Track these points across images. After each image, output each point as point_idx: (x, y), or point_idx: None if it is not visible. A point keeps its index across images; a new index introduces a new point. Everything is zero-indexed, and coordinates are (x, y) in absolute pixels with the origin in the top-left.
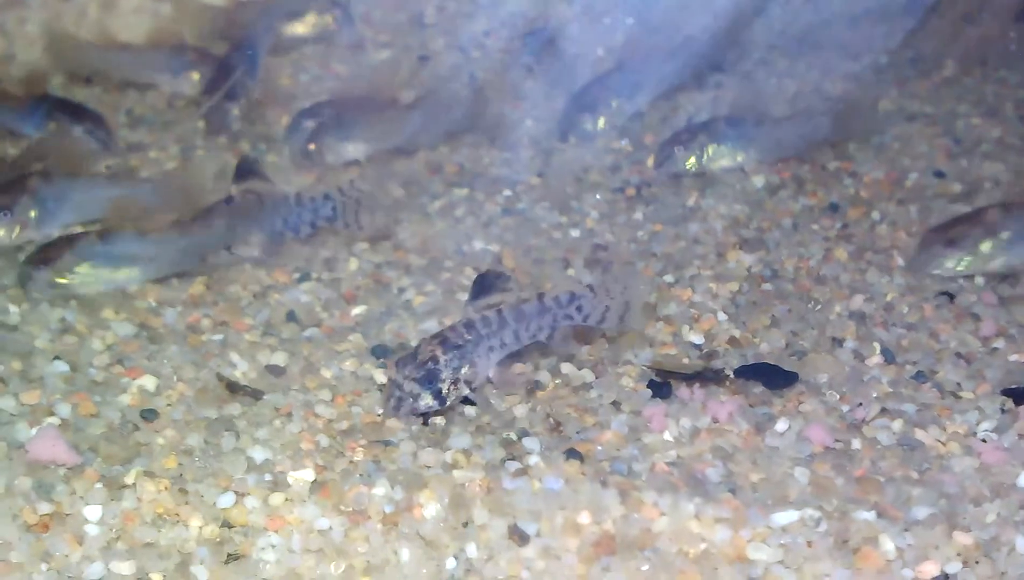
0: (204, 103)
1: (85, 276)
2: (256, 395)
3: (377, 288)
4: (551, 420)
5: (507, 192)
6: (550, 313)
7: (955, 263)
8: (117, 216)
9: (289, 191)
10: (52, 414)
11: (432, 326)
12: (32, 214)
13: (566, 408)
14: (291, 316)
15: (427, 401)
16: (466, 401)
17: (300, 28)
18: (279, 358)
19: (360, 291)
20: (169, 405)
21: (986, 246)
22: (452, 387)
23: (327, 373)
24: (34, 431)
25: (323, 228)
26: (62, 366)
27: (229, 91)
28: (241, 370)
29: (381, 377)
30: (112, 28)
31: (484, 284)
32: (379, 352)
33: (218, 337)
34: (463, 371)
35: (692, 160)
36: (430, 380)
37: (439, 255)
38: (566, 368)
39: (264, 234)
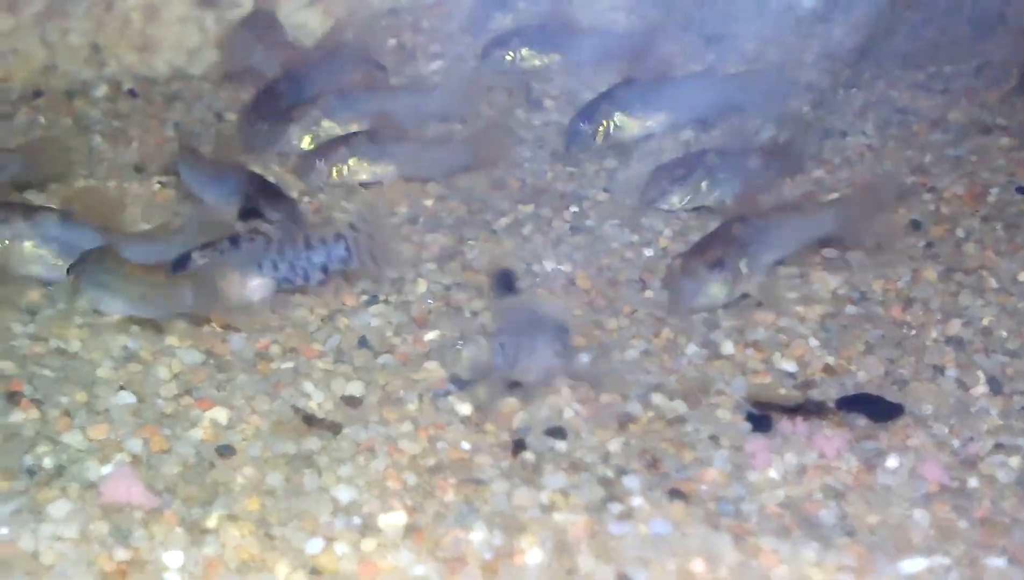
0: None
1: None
2: (335, 429)
3: (449, 311)
4: (648, 456)
5: (574, 208)
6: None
7: None
8: None
9: (298, 232)
10: (122, 450)
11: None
12: None
13: (662, 443)
14: (363, 342)
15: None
16: (556, 433)
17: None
18: (355, 388)
19: (431, 315)
20: (244, 440)
21: None
22: None
23: (407, 404)
24: (105, 470)
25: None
26: (128, 397)
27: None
28: (316, 401)
29: (463, 409)
30: (156, 38)
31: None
32: (459, 382)
33: (289, 365)
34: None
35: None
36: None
37: None
38: (657, 398)
39: (266, 280)
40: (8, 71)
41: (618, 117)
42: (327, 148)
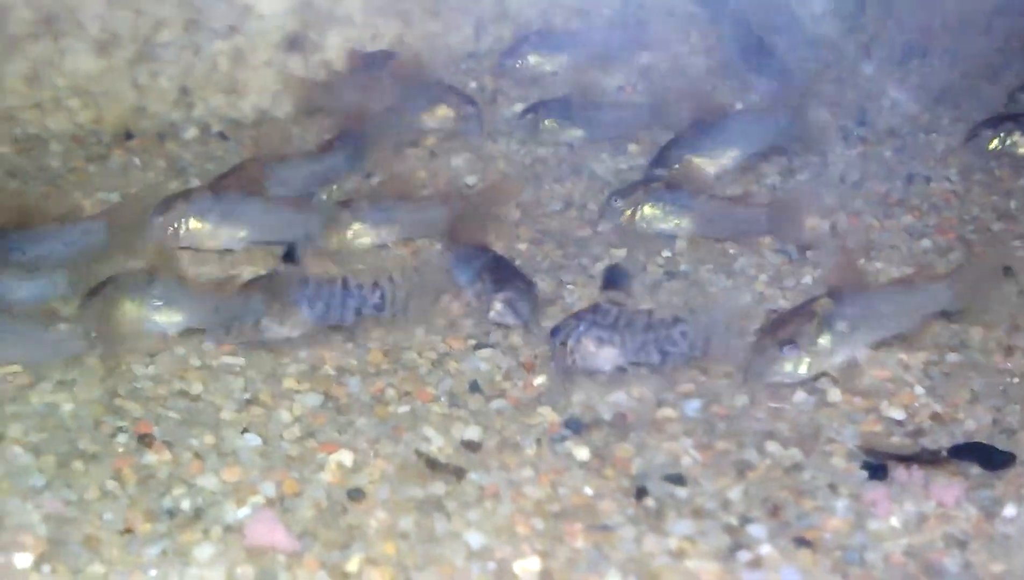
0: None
1: None
2: (458, 473)
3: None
4: (769, 504)
5: (666, 252)
6: (655, 335)
7: None
8: None
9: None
10: (256, 493)
11: (621, 397)
12: None
13: (781, 491)
14: (474, 386)
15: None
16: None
17: (429, 120)
18: (473, 432)
19: (538, 359)
20: (372, 483)
21: None
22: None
23: (525, 449)
24: (242, 512)
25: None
26: (254, 440)
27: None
28: (436, 445)
29: (581, 454)
30: (242, 81)
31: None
32: (573, 426)
33: (405, 408)
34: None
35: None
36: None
37: None
38: (772, 446)
39: (305, 315)
40: (99, 113)
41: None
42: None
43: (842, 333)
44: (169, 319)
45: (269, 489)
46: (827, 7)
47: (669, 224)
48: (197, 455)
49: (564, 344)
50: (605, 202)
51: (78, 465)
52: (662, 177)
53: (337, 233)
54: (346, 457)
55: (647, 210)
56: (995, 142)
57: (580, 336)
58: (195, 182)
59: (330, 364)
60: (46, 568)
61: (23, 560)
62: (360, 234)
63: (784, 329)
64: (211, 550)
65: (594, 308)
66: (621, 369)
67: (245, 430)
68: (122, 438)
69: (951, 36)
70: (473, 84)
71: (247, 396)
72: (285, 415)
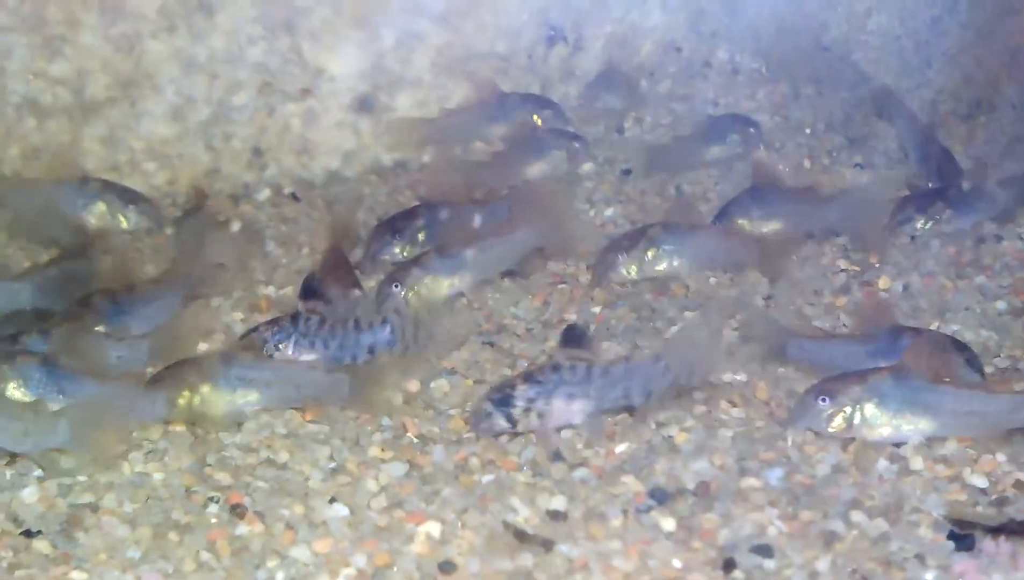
0: None
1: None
2: (547, 545)
3: (634, 423)
4: (858, 576)
5: (740, 316)
6: (637, 377)
7: None
8: None
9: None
10: (348, 565)
11: (703, 466)
12: None
13: (869, 562)
14: (557, 455)
15: (499, 421)
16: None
17: (540, 168)
18: (558, 503)
19: (618, 427)
20: (461, 555)
21: None
22: (524, 415)
23: (611, 520)
24: None
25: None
26: (342, 510)
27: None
28: (523, 515)
29: (667, 524)
30: (313, 142)
31: (573, 336)
32: (658, 495)
33: (489, 478)
34: (537, 404)
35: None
36: (504, 403)
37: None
38: (857, 516)
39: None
40: (174, 175)
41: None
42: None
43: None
44: (247, 399)
45: (360, 561)
46: None
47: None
48: (288, 525)
49: (528, 411)
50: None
51: (173, 536)
52: None
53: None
54: (434, 528)
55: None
56: None
57: (549, 398)
58: (271, 245)
59: (412, 432)
60: None
61: None
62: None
63: (824, 385)
64: None
65: (555, 366)
66: (593, 416)
67: (333, 499)
68: (214, 508)
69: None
70: None
71: (333, 465)
72: (371, 484)
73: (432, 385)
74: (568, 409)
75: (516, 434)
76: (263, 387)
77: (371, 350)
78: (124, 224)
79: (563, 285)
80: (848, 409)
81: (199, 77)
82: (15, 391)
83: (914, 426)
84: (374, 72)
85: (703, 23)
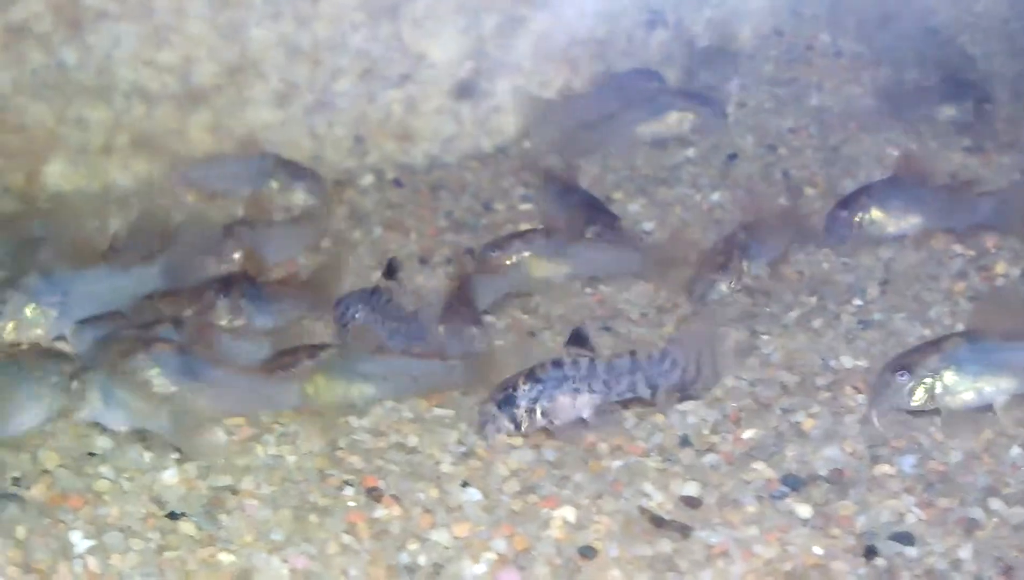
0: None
1: None
2: (684, 531)
3: (759, 409)
4: (1001, 564)
5: (857, 301)
6: (642, 371)
7: None
8: None
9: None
10: (488, 549)
11: (834, 452)
12: None
13: (1012, 550)
14: (684, 440)
15: (504, 423)
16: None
17: (658, 127)
18: (691, 488)
19: (743, 412)
20: (599, 540)
21: None
22: (528, 415)
23: (746, 506)
24: (478, 568)
25: None
26: (475, 494)
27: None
28: (656, 501)
29: (802, 511)
30: (414, 128)
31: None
32: (791, 482)
33: (618, 463)
34: (541, 403)
35: None
36: (508, 404)
37: (808, 372)
38: (996, 504)
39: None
40: None
41: (874, 212)
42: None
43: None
44: (363, 391)
45: (500, 545)
46: None
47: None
48: (425, 509)
49: (532, 411)
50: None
51: (313, 518)
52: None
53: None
54: (569, 513)
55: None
56: None
57: (552, 397)
58: (377, 230)
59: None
60: None
61: None
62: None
63: (902, 358)
64: None
65: (556, 363)
66: (602, 410)
67: (465, 483)
68: (350, 491)
69: None
70: None
71: (463, 449)
72: (502, 469)
73: None
74: (574, 404)
75: (523, 436)
76: (379, 380)
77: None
78: (293, 198)
79: (676, 271)
80: (928, 380)
81: (302, 64)
82: (153, 378)
83: (995, 386)
84: (474, 57)
85: (804, 6)
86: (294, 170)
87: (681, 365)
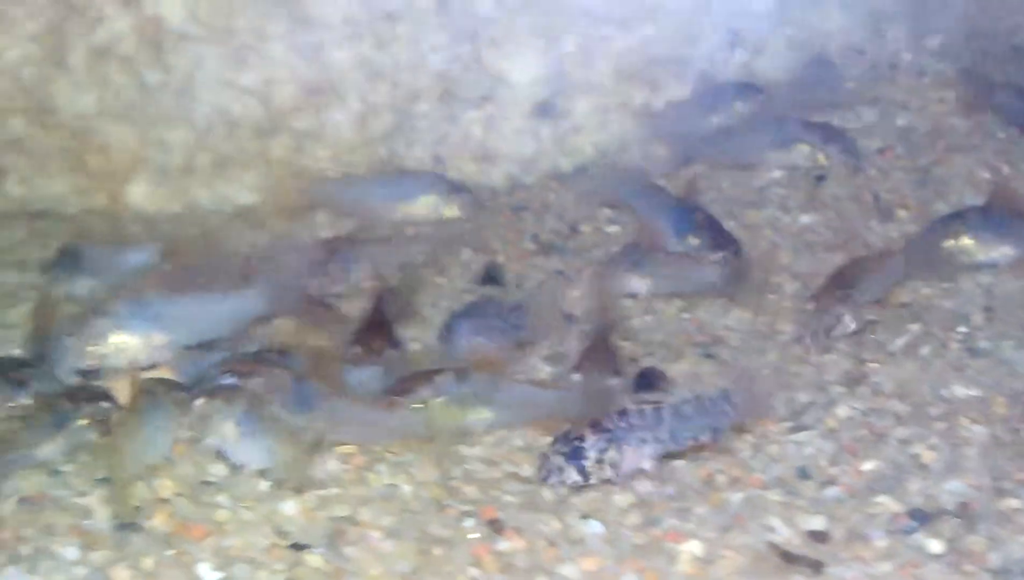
0: None
1: None
2: (816, 566)
3: (875, 440)
4: None
5: (962, 328)
6: (708, 414)
7: None
8: None
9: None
10: None
11: (958, 486)
12: None
13: None
14: (803, 472)
15: (572, 475)
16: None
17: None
18: (817, 522)
19: (860, 444)
20: (730, 575)
21: None
22: (596, 466)
23: (875, 541)
24: None
25: None
26: (597, 526)
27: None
28: (782, 535)
29: (933, 546)
30: (494, 149)
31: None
32: (919, 516)
33: (738, 495)
34: (609, 454)
35: None
36: (575, 456)
37: (921, 401)
38: None
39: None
40: None
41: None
42: None
43: None
44: (479, 416)
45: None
46: None
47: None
48: (550, 542)
49: (600, 462)
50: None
51: (437, 551)
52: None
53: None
54: (696, 547)
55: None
56: None
57: (620, 449)
58: (466, 252)
59: None
60: None
61: None
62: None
63: None
64: None
65: (622, 413)
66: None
67: (585, 516)
68: (470, 523)
69: None
70: None
71: (578, 480)
72: (620, 500)
73: None
74: (639, 455)
75: (589, 486)
76: (495, 406)
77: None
78: (448, 213)
79: (772, 296)
80: None
81: (383, 85)
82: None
83: None
84: (554, 78)
85: (886, 24)
86: (440, 184)
87: (739, 407)
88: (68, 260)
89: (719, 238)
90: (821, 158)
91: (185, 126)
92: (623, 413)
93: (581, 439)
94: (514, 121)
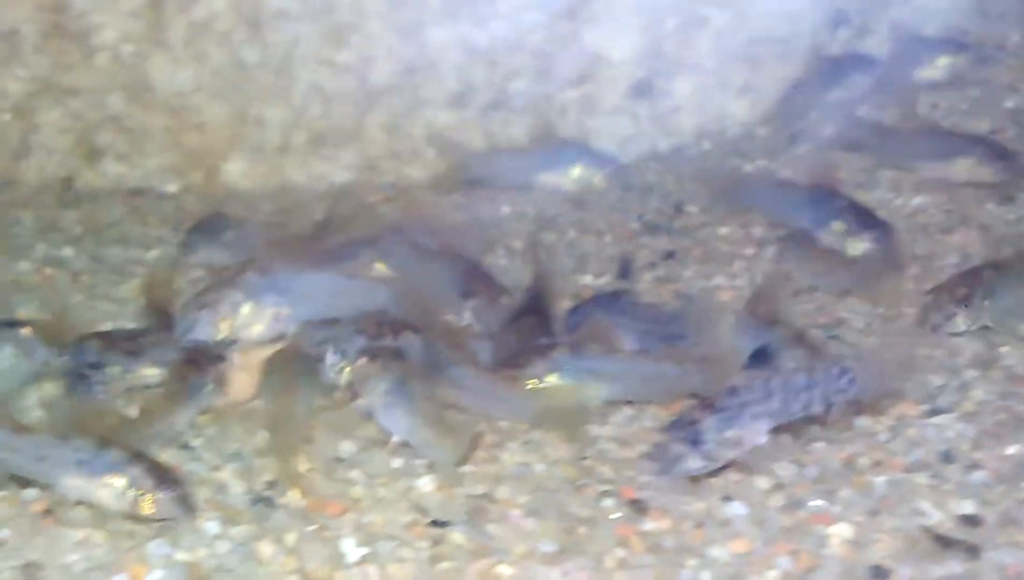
0: None
1: None
2: (973, 551)
3: (1016, 424)
4: None
5: None
6: (819, 387)
7: None
8: None
9: None
10: (773, 567)
11: None
12: None
13: None
14: (947, 456)
15: (694, 462)
16: None
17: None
18: (968, 507)
19: (1002, 427)
20: (886, 559)
21: None
22: (718, 448)
23: None
24: None
25: None
26: (740, 508)
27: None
28: (933, 519)
29: None
30: (591, 128)
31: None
32: None
33: (882, 478)
34: (727, 434)
35: None
36: (695, 441)
37: None
38: None
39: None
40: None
41: None
42: None
43: None
44: (593, 392)
45: (784, 562)
46: None
47: None
48: (696, 523)
49: (720, 443)
50: None
51: (582, 531)
52: None
53: None
54: (845, 530)
55: None
56: None
57: (737, 427)
58: (571, 232)
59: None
60: None
61: None
62: None
63: None
64: None
65: (732, 390)
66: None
67: (727, 498)
68: (609, 503)
69: None
70: None
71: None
72: (761, 482)
73: None
74: (756, 430)
75: (713, 473)
76: (610, 380)
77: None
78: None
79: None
80: None
81: (479, 64)
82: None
83: None
84: (653, 57)
85: (991, 5)
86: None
87: (860, 383)
88: (200, 233)
89: (866, 220)
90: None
91: (282, 104)
92: (734, 390)
93: (697, 423)
94: (612, 100)
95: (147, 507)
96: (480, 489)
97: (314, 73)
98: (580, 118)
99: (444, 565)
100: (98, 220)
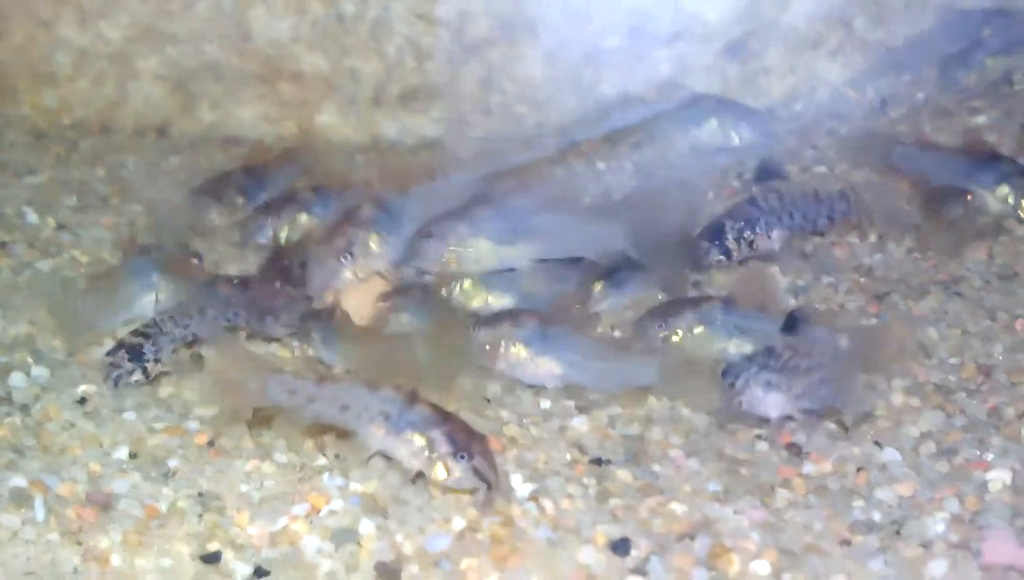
0: None
1: None
2: None
3: None
4: None
5: None
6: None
7: None
8: None
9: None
10: (940, 509)
11: None
12: None
13: None
14: None
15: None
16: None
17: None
18: None
19: None
20: None
21: None
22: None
23: None
24: (938, 528)
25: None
26: (894, 454)
27: None
28: None
29: None
30: (681, 85)
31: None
32: None
33: None
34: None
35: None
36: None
37: None
38: None
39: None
40: (543, 119)
41: None
42: None
43: None
44: (741, 349)
45: (952, 505)
46: None
47: None
48: (859, 468)
49: (732, 386)
50: None
51: (744, 472)
52: None
53: None
54: (1005, 476)
55: None
56: None
57: (749, 379)
58: None
59: (921, 378)
60: (786, 577)
61: (762, 567)
62: None
63: None
64: (944, 566)
65: (768, 351)
66: (788, 417)
67: (879, 443)
68: (764, 446)
69: None
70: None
71: (865, 408)
72: (911, 430)
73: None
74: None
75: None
76: (760, 337)
77: (830, 218)
78: (736, 141)
79: (1003, 238)
80: None
81: (575, 20)
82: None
83: None
84: (748, 18)
85: None
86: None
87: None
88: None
89: None
90: None
91: (377, 57)
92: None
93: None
94: (703, 59)
95: (440, 472)
96: (634, 430)
97: (410, 27)
98: (670, 75)
99: (614, 502)
100: (201, 166)
